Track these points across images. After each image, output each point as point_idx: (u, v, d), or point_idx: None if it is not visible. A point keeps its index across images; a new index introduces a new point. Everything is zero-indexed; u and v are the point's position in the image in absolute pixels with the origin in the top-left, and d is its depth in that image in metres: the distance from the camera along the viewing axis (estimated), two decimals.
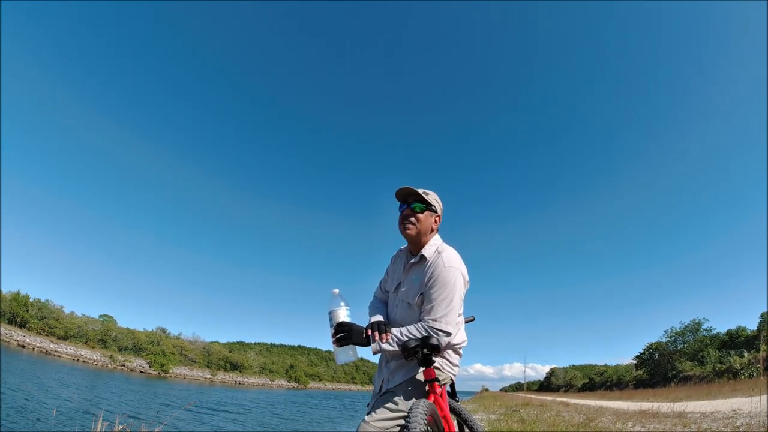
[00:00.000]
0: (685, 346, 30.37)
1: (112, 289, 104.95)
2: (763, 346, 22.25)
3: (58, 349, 44.17)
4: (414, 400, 1.55)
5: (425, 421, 1.30)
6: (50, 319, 47.86)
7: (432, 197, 1.82)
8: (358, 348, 1.66)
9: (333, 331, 1.66)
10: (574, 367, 59.77)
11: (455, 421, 1.97)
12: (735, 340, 26.77)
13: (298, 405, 29.60)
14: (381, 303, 2.02)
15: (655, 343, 33.57)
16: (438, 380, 1.71)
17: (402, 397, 1.65)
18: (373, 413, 1.62)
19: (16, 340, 41.50)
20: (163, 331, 62.55)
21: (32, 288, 75.15)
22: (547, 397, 24.47)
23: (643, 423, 6.67)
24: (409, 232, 1.79)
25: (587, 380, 47.94)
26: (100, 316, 57.15)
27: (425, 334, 1.60)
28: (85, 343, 49.84)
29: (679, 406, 9.19)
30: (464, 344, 1.88)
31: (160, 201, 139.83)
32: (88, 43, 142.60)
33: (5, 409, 10.46)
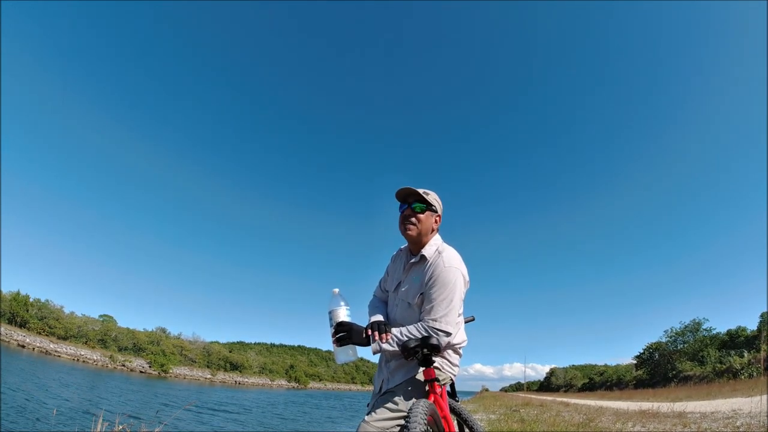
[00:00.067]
0: (685, 346, 30.36)
1: (112, 289, 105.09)
2: (763, 346, 22.25)
3: (58, 349, 44.17)
4: (414, 400, 1.55)
5: (425, 421, 1.30)
6: (50, 319, 47.86)
7: (432, 197, 1.82)
8: (358, 348, 1.66)
9: (333, 330, 1.65)
10: (574, 367, 59.77)
11: (455, 421, 1.96)
12: (735, 340, 26.77)
13: (298, 405, 29.60)
14: (381, 302, 2.02)
15: (655, 343, 33.57)
16: (438, 380, 1.70)
17: (402, 397, 1.65)
18: (373, 413, 1.62)
19: (16, 340, 41.50)
20: (163, 331, 62.58)
21: (32, 288, 75.25)
22: (547, 397, 24.47)
23: (643, 423, 6.67)
24: (410, 232, 1.79)
25: (587, 380, 47.94)
26: (100, 316, 57.22)
27: (425, 334, 1.60)
28: (85, 343, 49.84)
29: (679, 406, 9.19)
30: (464, 344, 1.88)
31: (160, 201, 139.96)
32: (88, 43, 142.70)
33: (5, 409, 10.45)
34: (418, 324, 1.65)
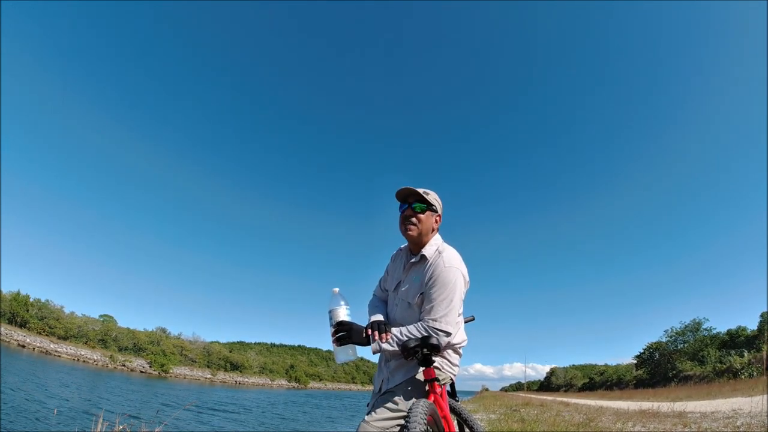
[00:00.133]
0: (686, 345, 30.34)
1: (112, 289, 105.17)
2: (763, 346, 22.26)
3: (59, 349, 44.19)
4: (414, 399, 1.55)
5: (425, 421, 1.30)
6: (50, 319, 47.89)
7: (432, 197, 1.82)
8: (358, 347, 1.66)
9: (333, 330, 1.65)
10: (574, 367, 59.75)
11: (455, 421, 1.96)
12: (735, 340, 26.75)
13: (298, 405, 29.61)
14: (381, 302, 2.01)
15: (655, 343, 33.54)
16: (438, 380, 1.70)
17: (402, 397, 1.65)
18: (373, 413, 1.62)
19: (16, 340, 41.51)
20: (163, 331, 62.61)
21: (32, 288, 75.30)
22: (548, 397, 24.47)
23: (644, 423, 6.67)
24: (410, 233, 1.79)
25: (587, 380, 47.92)
26: (101, 316, 57.25)
27: (425, 334, 1.60)
28: (86, 343, 49.86)
29: (679, 406, 9.19)
30: (464, 344, 1.88)
31: (160, 201, 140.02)
32: (88, 43, 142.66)
33: (5, 409, 10.46)
34: (418, 324, 1.65)
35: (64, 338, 47.77)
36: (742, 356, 22.78)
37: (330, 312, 1.68)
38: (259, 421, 17.38)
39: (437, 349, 1.58)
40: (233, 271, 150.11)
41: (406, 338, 1.61)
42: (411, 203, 1.80)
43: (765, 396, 9.13)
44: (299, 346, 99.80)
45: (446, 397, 1.82)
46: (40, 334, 45.55)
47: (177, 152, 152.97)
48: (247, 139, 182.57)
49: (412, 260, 1.83)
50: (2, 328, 40.73)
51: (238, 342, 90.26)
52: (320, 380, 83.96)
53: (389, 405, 1.63)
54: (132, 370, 47.76)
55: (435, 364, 1.72)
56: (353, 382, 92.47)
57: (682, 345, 30.82)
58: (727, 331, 28.49)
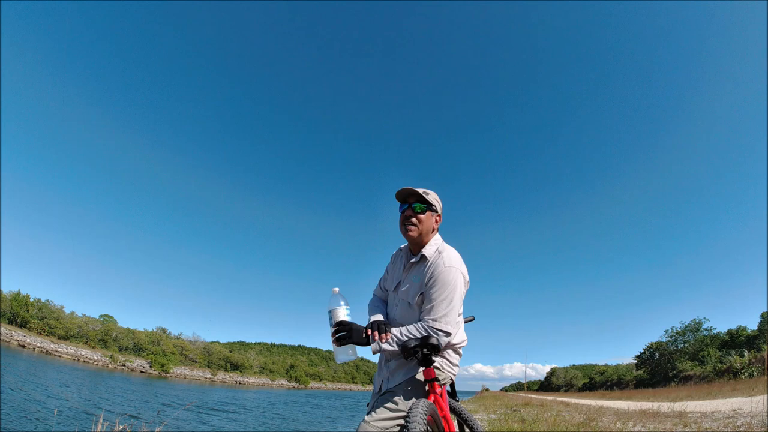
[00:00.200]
0: (686, 345, 30.33)
1: (112, 289, 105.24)
2: (764, 346, 22.25)
3: (59, 349, 44.20)
4: (414, 399, 1.55)
5: (425, 421, 1.30)
6: (50, 319, 47.90)
7: (432, 197, 1.82)
8: (358, 347, 1.66)
9: (333, 330, 1.65)
10: (574, 367, 59.77)
11: (455, 421, 1.97)
12: (735, 340, 26.74)
13: (298, 405, 29.61)
14: (381, 302, 2.02)
15: (655, 343, 33.53)
16: (438, 380, 1.71)
17: (402, 397, 1.65)
18: (373, 413, 1.62)
19: (16, 340, 41.53)
20: (164, 331, 62.63)
21: (32, 288, 75.47)
22: (548, 397, 24.49)
23: (644, 423, 6.66)
24: (411, 233, 1.79)
25: (587, 380, 47.91)
26: (101, 316, 57.25)
27: (425, 334, 1.60)
28: (86, 343, 49.87)
29: (679, 406, 9.19)
30: (464, 344, 1.88)
31: (160, 201, 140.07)
32: (88, 43, 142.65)
33: (5, 409, 10.46)
34: (418, 324, 1.65)
35: (65, 338, 47.79)
36: (742, 356, 22.78)
37: (330, 312, 1.68)
38: (259, 421, 17.38)
39: (437, 349, 1.58)
40: (233, 271, 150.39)
41: (406, 338, 1.61)
42: (411, 203, 1.80)
43: (765, 396, 9.13)
44: (299, 346, 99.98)
45: (446, 397, 1.82)
46: (40, 334, 45.57)
47: (177, 152, 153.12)
48: (248, 139, 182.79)
49: (412, 260, 1.83)
50: (2, 328, 40.74)
51: (238, 342, 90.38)
52: (320, 380, 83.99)
53: (389, 405, 1.63)
54: (132, 370, 47.78)
55: (435, 364, 1.72)
56: (353, 382, 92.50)
57: (682, 345, 30.81)
58: (728, 331, 28.49)
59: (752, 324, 27.02)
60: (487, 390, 54.16)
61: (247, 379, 64.75)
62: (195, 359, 60.87)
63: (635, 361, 36.76)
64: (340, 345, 1.63)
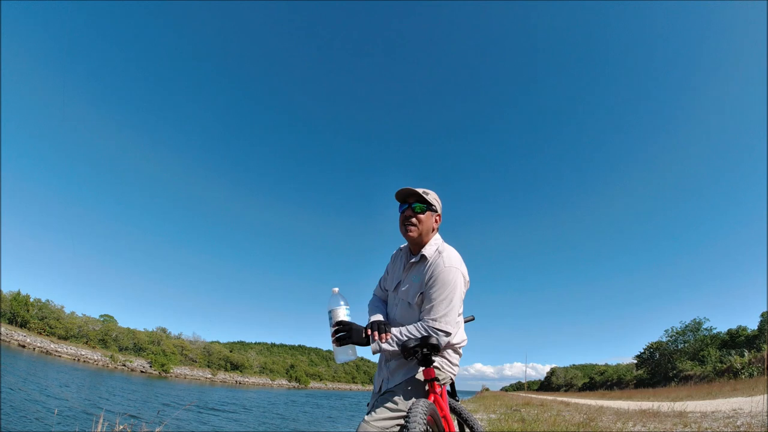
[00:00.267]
0: (686, 345, 30.33)
1: (112, 289, 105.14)
2: (764, 346, 22.25)
3: (59, 349, 44.22)
4: (414, 399, 1.55)
5: (425, 421, 1.30)
6: (51, 319, 47.92)
7: (432, 197, 1.82)
8: (358, 347, 1.66)
9: (333, 330, 1.65)
10: (574, 367, 59.77)
11: (455, 421, 1.97)
12: (735, 340, 26.74)
13: (298, 405, 29.63)
14: (381, 302, 2.02)
15: (655, 343, 33.53)
16: (438, 380, 1.71)
17: (402, 397, 1.65)
18: (373, 413, 1.62)
19: (16, 340, 41.55)
20: (164, 331, 62.65)
21: (32, 288, 75.47)
22: (548, 397, 24.50)
23: (644, 422, 6.67)
24: (411, 234, 1.79)
25: (588, 380, 47.92)
26: (101, 316, 57.27)
27: (425, 334, 1.60)
28: (86, 343, 49.89)
29: (679, 406, 9.19)
30: (464, 344, 1.88)
31: (160, 201, 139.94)
32: (88, 43, 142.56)
33: (5, 409, 10.47)
34: (418, 324, 1.65)
35: (65, 338, 47.81)
36: (742, 356, 22.78)
37: (330, 312, 1.68)
38: (259, 421, 17.39)
39: (437, 349, 1.58)
40: (233, 271, 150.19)
41: (405, 338, 1.61)
42: (411, 203, 1.80)
43: (765, 396, 9.13)
44: (299, 345, 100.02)
45: (446, 397, 1.82)
46: (40, 334, 45.59)
47: (177, 152, 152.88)
48: (248, 138, 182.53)
49: (412, 260, 1.83)
50: (2, 328, 40.76)
51: (238, 342, 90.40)
52: (320, 380, 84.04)
53: (389, 405, 1.63)
54: (132, 370, 47.80)
55: (435, 364, 1.72)
56: (353, 382, 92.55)
57: (682, 345, 30.80)
58: (728, 330, 28.49)
59: (752, 324, 27.05)
60: (487, 390, 54.16)
61: (247, 379, 64.78)
62: (195, 359, 60.90)
63: (635, 361, 36.76)
64: (340, 345, 1.63)
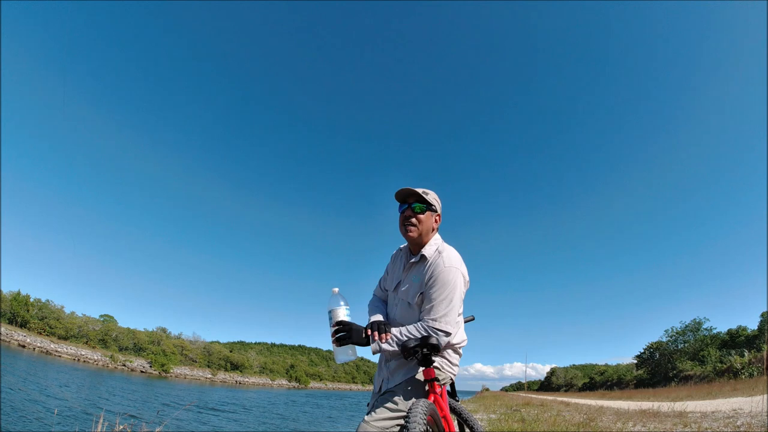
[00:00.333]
0: (686, 345, 30.34)
1: (112, 289, 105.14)
2: (764, 346, 22.25)
3: (59, 349, 44.23)
4: (414, 399, 1.55)
5: (425, 421, 1.30)
6: (51, 319, 47.92)
7: (432, 197, 1.82)
8: (358, 347, 1.66)
9: (333, 330, 1.65)
10: (574, 367, 59.79)
11: (455, 421, 1.97)
12: (735, 340, 26.74)
13: (298, 405, 29.63)
14: (381, 302, 2.02)
15: (655, 343, 33.54)
16: (438, 380, 1.71)
17: (402, 397, 1.65)
18: (372, 413, 1.62)
19: (16, 340, 41.55)
20: (164, 330, 62.65)
21: (32, 288, 75.46)
22: (548, 397, 24.51)
23: (644, 422, 6.67)
24: (411, 234, 1.79)
25: (588, 380, 47.93)
26: (101, 316, 57.28)
27: (425, 334, 1.60)
28: (86, 343, 49.90)
29: (679, 406, 9.19)
30: (464, 344, 1.88)
31: (160, 201, 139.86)
32: (88, 43, 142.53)
33: (5, 409, 10.47)
34: (418, 324, 1.65)
35: (65, 338, 47.81)
36: (742, 356, 22.78)
37: (330, 312, 1.68)
38: (259, 421, 17.39)
39: (437, 349, 1.58)
40: (233, 271, 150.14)
41: (405, 338, 1.61)
42: (411, 204, 1.80)
43: (765, 396, 9.13)
44: (299, 346, 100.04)
45: (446, 397, 1.82)
46: (40, 334, 45.59)
47: (177, 152, 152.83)
48: (247, 138, 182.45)
49: (412, 260, 1.83)
50: (2, 328, 40.76)
51: (238, 342, 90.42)
52: (320, 380, 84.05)
53: (389, 405, 1.63)
54: (132, 370, 47.80)
55: (435, 364, 1.72)
56: (353, 382, 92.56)
57: (682, 345, 30.81)
58: (728, 330, 28.49)
59: (752, 324, 27.06)
60: (487, 390, 54.21)
61: (247, 379, 64.79)
62: (195, 359, 60.91)
63: (635, 361, 36.77)
64: (340, 345, 1.63)
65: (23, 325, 45.41)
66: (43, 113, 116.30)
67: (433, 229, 1.86)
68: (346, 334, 1.62)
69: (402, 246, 1.98)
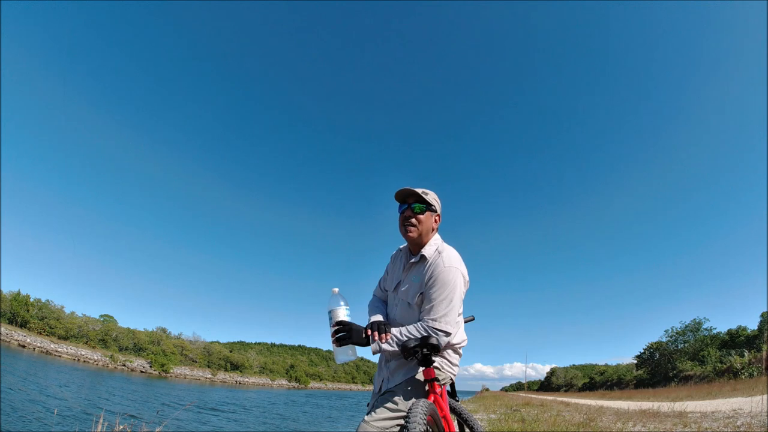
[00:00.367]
0: (686, 345, 30.34)
1: (112, 289, 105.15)
2: (764, 346, 22.26)
3: (59, 349, 44.22)
4: (414, 399, 1.55)
5: (425, 421, 1.30)
6: (51, 319, 47.91)
7: (431, 197, 1.82)
8: (358, 347, 1.66)
9: (333, 330, 1.65)
10: (574, 367, 59.79)
11: (455, 421, 1.97)
12: (735, 340, 26.74)
13: (298, 405, 29.63)
14: (381, 302, 2.02)
15: (655, 343, 33.54)
16: (438, 380, 1.71)
17: (402, 397, 1.65)
18: (372, 413, 1.62)
19: (16, 340, 41.54)
20: (164, 331, 62.65)
21: (32, 288, 75.48)
22: (548, 397, 24.50)
23: (644, 423, 6.67)
24: (411, 234, 1.79)
25: (588, 380, 47.93)
26: (101, 316, 57.26)
27: (425, 334, 1.60)
28: (86, 343, 49.89)
29: (679, 406, 9.19)
30: (464, 344, 1.88)
31: (160, 201, 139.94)
32: (88, 43, 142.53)
33: (5, 409, 10.47)
34: (418, 324, 1.65)
35: (65, 338, 47.80)
36: (742, 356, 22.78)
37: (330, 312, 1.69)
38: (259, 421, 17.39)
39: (437, 349, 1.58)
40: (233, 271, 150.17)
41: (405, 338, 1.61)
42: (410, 204, 1.80)
43: (765, 396, 9.13)
44: (299, 346, 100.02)
45: (446, 397, 1.82)
46: (40, 334, 45.58)
47: (177, 152, 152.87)
48: (247, 138, 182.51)
49: (412, 260, 1.83)
50: (2, 328, 40.75)
51: (238, 342, 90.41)
52: (320, 380, 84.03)
53: (389, 405, 1.63)
54: (132, 370, 47.79)
55: (435, 364, 1.72)
56: (353, 382, 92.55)
57: (682, 345, 30.81)
58: (728, 331, 28.49)
59: (752, 324, 27.05)
60: (487, 390, 54.20)
61: (247, 379, 64.77)
62: (195, 359, 60.90)
63: (635, 361, 36.77)
64: (340, 345, 1.63)
65: (23, 325, 45.40)
66: (43, 113, 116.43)
67: (432, 230, 1.86)
68: (346, 334, 1.62)
69: (402, 246, 1.98)
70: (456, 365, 1.85)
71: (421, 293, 1.73)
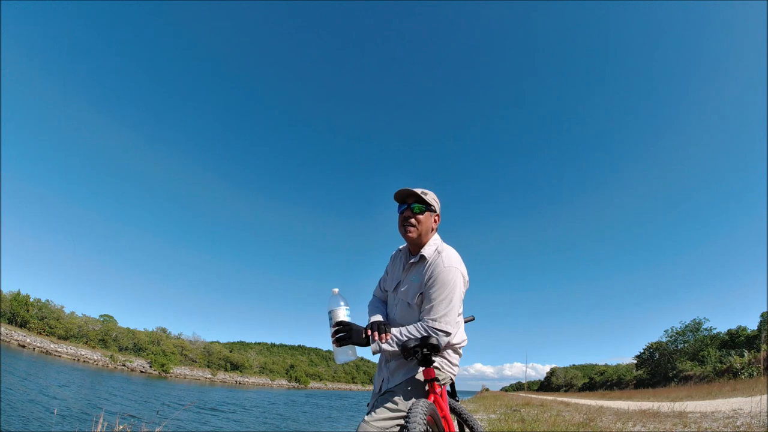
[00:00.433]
0: (686, 345, 30.34)
1: (112, 289, 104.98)
2: (763, 346, 22.26)
3: (59, 349, 44.21)
4: (414, 399, 1.55)
5: (425, 421, 1.30)
6: (50, 319, 47.91)
7: (431, 197, 1.82)
8: (358, 348, 1.66)
9: (333, 330, 1.66)
10: (574, 367, 59.81)
11: (455, 421, 1.97)
12: (735, 340, 26.74)
13: (298, 405, 29.62)
14: (380, 302, 2.02)
15: (655, 343, 33.54)
16: (438, 380, 1.71)
17: (402, 397, 1.65)
18: (372, 413, 1.62)
19: (16, 340, 41.53)
20: (164, 331, 62.65)
21: (32, 288, 75.36)
22: (548, 397, 24.51)
23: (644, 423, 6.67)
24: (410, 235, 1.79)
25: (587, 380, 47.93)
26: (101, 316, 57.25)
27: (425, 334, 1.60)
28: (86, 343, 49.89)
29: (679, 406, 9.19)
30: (464, 344, 1.88)
31: (160, 201, 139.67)
32: (88, 43, 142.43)
33: (5, 409, 10.47)
34: (418, 324, 1.65)
35: (65, 338, 47.80)
36: (742, 356, 22.77)
37: (330, 312, 1.69)
38: (259, 421, 17.39)
39: (437, 349, 1.58)
40: (233, 271, 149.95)
41: (405, 338, 1.61)
42: (410, 204, 1.80)
43: (765, 396, 9.14)
44: (299, 346, 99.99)
45: (446, 397, 1.83)
46: (40, 334, 45.57)
47: (177, 152, 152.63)
48: (247, 138, 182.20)
49: (412, 260, 1.83)
50: (2, 328, 40.74)
51: (238, 342, 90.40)
52: (320, 380, 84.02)
53: (389, 405, 1.63)
54: (132, 370, 47.78)
55: (435, 364, 1.72)
56: (353, 382, 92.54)
57: (682, 345, 30.81)
58: (727, 331, 28.48)
59: (752, 324, 27.04)
60: (487, 390, 54.21)
61: (247, 379, 64.76)
62: (195, 359, 60.89)
63: (635, 361, 36.77)
64: (340, 345, 1.63)
65: (23, 325, 45.39)
66: (42, 113, 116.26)
67: (432, 230, 1.86)
68: (346, 334, 1.62)
69: (401, 246, 1.98)
70: (456, 365, 1.85)
71: (420, 293, 1.74)
